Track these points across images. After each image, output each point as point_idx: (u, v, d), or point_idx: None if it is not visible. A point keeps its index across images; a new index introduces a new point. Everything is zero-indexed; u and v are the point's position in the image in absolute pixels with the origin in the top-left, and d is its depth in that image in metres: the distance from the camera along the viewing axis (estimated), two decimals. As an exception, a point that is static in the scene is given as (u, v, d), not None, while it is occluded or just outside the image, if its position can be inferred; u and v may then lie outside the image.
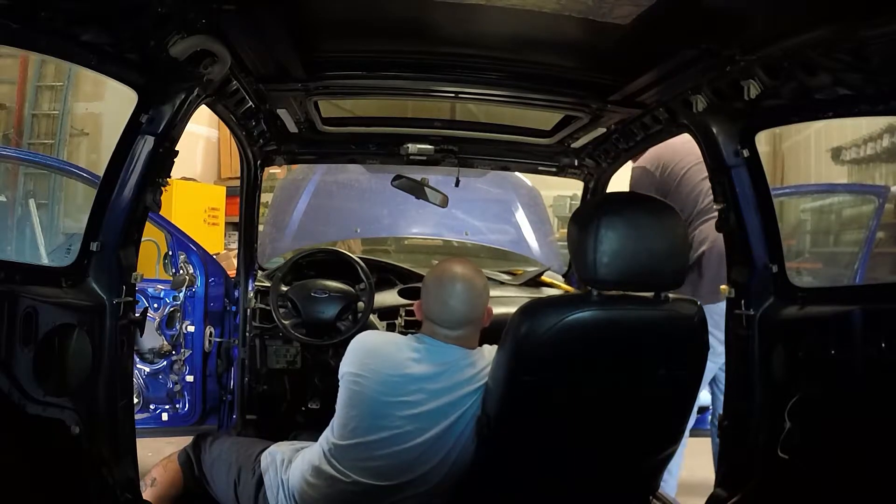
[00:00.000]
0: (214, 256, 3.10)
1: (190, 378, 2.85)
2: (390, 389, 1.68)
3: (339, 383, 1.76)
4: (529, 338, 1.49)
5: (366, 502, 1.71)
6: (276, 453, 1.89)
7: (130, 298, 1.67)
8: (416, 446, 1.67)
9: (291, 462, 1.84)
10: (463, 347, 1.73)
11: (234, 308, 2.83)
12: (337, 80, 1.98)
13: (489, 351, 1.74)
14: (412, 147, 2.57)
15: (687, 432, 2.66)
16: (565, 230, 1.68)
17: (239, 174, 2.72)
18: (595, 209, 1.53)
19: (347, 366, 1.73)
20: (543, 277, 3.25)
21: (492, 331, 1.83)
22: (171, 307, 2.87)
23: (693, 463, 2.73)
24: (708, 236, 2.61)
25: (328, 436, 1.77)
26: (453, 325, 1.72)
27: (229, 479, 1.88)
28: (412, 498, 1.71)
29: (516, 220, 3.39)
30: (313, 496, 1.74)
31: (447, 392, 1.67)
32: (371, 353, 1.73)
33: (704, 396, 2.82)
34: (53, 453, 1.45)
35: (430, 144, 2.58)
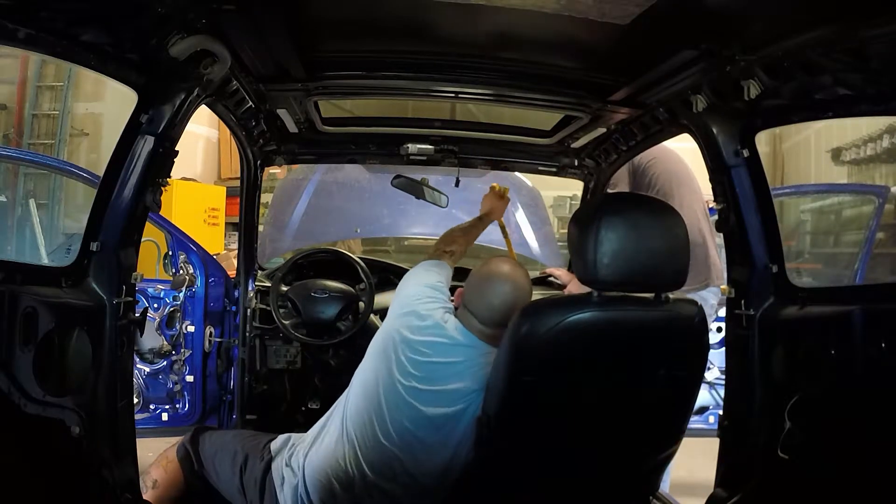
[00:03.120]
0: (214, 256, 3.10)
1: (190, 378, 2.85)
2: (406, 365, 1.71)
3: (386, 320, 1.80)
4: (530, 338, 1.49)
5: (366, 479, 1.72)
6: (288, 438, 1.90)
7: (130, 298, 1.67)
8: (413, 420, 1.69)
9: (300, 444, 1.85)
10: (489, 345, 1.74)
11: (234, 308, 2.83)
12: (337, 80, 1.98)
13: None
14: (412, 147, 2.57)
15: None
16: (565, 230, 1.68)
17: (239, 174, 2.72)
18: (595, 210, 1.53)
19: (403, 314, 1.77)
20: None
21: None
22: (171, 307, 2.87)
23: (693, 463, 2.73)
24: None
25: (343, 399, 1.81)
26: (490, 324, 1.73)
27: (234, 466, 1.88)
28: (409, 485, 1.72)
29: (516, 221, 3.39)
30: (320, 467, 1.75)
31: (455, 379, 1.69)
32: (420, 317, 1.75)
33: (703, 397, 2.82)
34: (53, 453, 1.45)
35: (430, 144, 2.58)
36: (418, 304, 1.79)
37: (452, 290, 1.90)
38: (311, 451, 1.79)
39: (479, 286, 1.76)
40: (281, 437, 1.91)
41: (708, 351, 1.62)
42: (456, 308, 1.81)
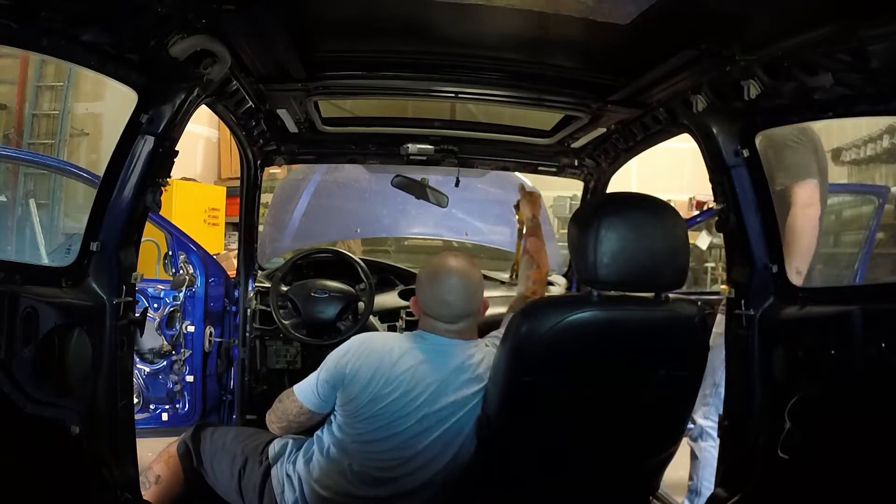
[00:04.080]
0: (214, 256, 3.10)
1: (190, 378, 2.85)
2: (395, 389, 1.68)
3: (321, 372, 1.75)
4: (530, 338, 1.49)
5: (368, 491, 1.71)
6: (286, 443, 1.89)
7: (130, 298, 1.67)
8: (410, 429, 1.68)
9: (299, 452, 1.84)
10: (463, 340, 1.75)
11: (234, 308, 2.83)
12: (337, 80, 1.98)
13: (487, 343, 1.78)
14: (412, 147, 2.57)
15: None
16: (565, 230, 1.69)
17: (239, 174, 2.72)
18: (595, 210, 1.53)
19: (343, 363, 1.72)
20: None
21: (487, 327, 1.86)
22: (171, 307, 2.87)
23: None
24: None
25: (336, 423, 1.76)
26: (452, 320, 1.74)
27: (234, 469, 1.87)
28: (411, 493, 1.71)
29: (516, 221, 3.38)
30: (319, 479, 1.74)
31: (453, 390, 1.69)
32: (373, 352, 1.72)
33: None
34: (53, 453, 1.45)
35: (430, 144, 2.58)
36: (374, 336, 1.82)
37: (408, 295, 1.89)
38: (311, 462, 1.78)
39: (429, 287, 1.76)
40: (279, 442, 1.90)
41: (708, 351, 1.62)
42: (417, 318, 1.82)
